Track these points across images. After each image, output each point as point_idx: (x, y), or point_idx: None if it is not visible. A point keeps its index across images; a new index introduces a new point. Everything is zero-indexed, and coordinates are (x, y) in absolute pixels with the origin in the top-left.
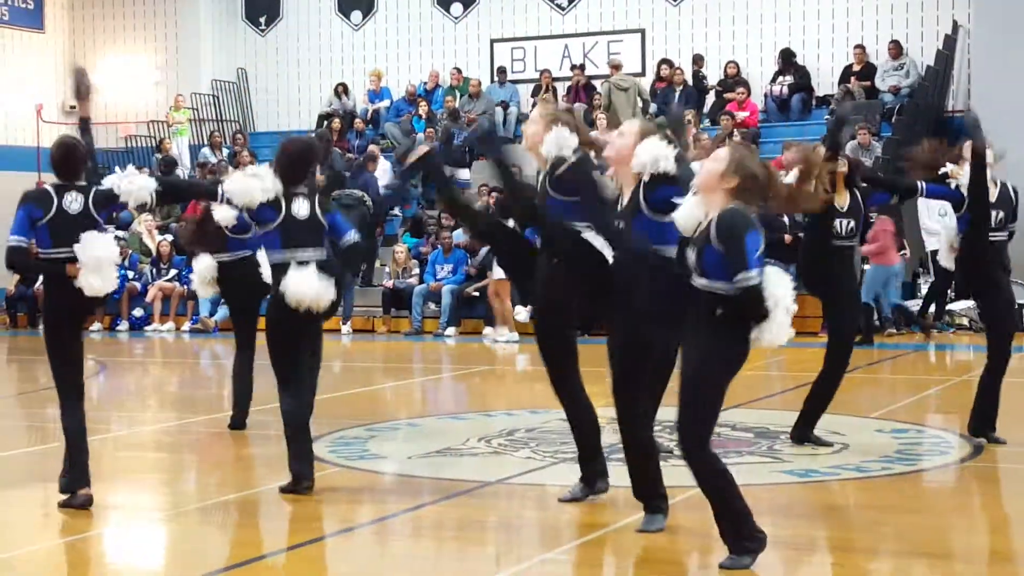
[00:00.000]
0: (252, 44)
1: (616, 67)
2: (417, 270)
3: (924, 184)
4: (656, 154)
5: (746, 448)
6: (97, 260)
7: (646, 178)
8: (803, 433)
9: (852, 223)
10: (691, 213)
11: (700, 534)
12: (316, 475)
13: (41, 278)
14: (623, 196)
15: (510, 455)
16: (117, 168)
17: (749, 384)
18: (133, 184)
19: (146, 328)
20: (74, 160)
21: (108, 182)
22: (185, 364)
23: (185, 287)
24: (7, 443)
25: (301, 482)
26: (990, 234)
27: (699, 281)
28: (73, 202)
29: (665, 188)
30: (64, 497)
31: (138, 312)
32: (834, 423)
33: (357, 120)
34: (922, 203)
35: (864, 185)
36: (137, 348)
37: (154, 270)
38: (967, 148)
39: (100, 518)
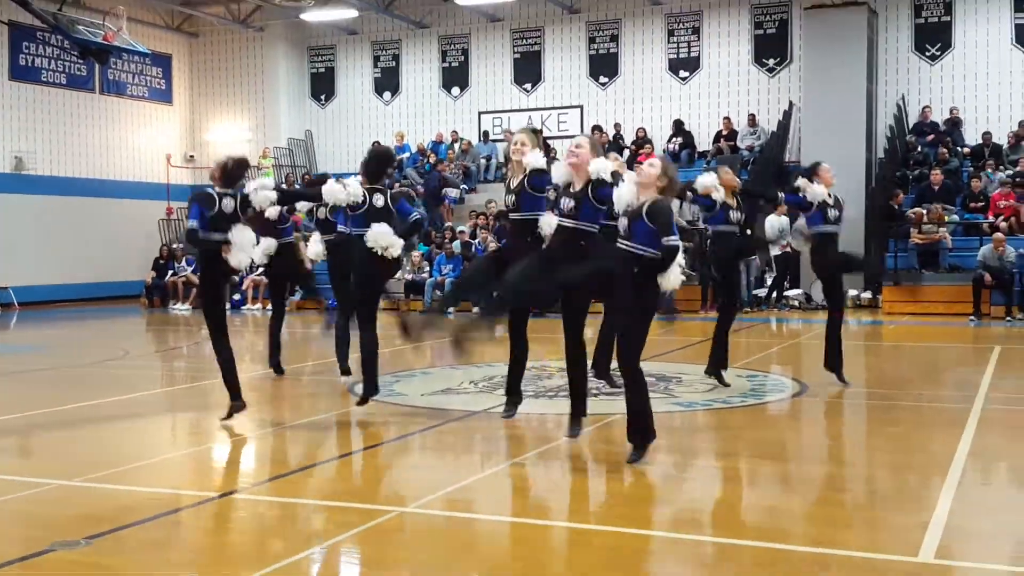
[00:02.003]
0: (315, 114)
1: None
2: (428, 267)
3: (783, 195)
4: (601, 167)
5: (650, 388)
6: (241, 243)
7: (594, 178)
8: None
9: (739, 214)
10: (625, 197)
11: (605, 447)
12: (361, 408)
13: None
14: (574, 185)
15: (490, 393)
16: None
17: (651, 344)
18: (259, 194)
19: (242, 308)
20: (233, 175)
21: (247, 189)
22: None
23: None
24: (149, 385)
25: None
26: (828, 226)
27: (624, 243)
28: (228, 204)
29: (606, 188)
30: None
31: (236, 296)
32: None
33: (398, 161)
34: (768, 223)
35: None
36: (236, 322)
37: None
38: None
39: (208, 435)
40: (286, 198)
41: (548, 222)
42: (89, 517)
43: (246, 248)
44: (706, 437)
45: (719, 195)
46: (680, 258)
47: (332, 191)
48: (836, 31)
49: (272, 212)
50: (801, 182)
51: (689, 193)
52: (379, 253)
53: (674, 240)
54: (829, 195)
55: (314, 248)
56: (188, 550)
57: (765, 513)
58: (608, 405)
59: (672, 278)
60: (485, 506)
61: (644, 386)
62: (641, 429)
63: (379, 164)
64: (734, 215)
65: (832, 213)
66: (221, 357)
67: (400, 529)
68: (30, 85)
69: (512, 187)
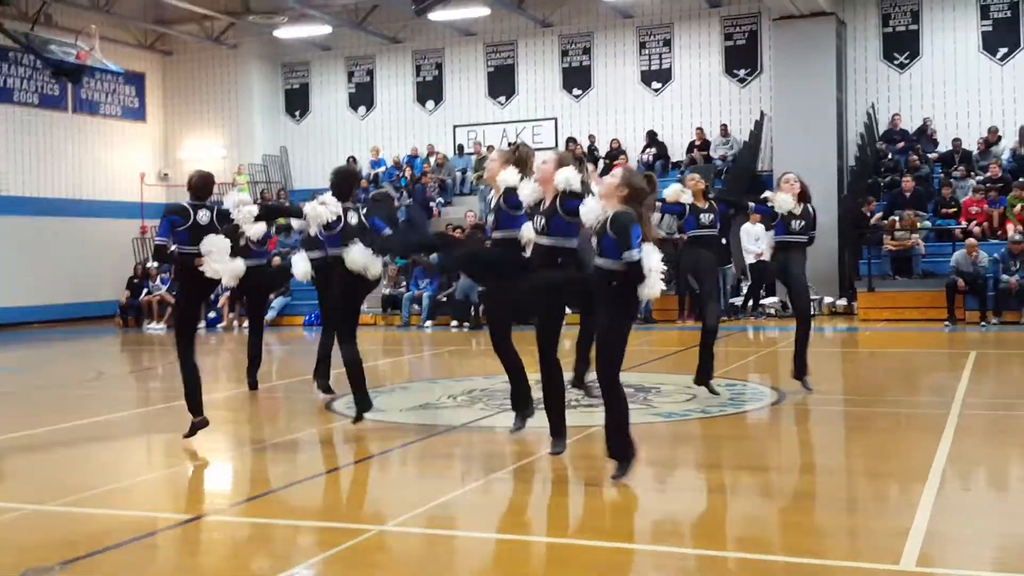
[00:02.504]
0: (290, 130)
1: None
2: (405, 282)
3: (752, 204)
4: (570, 177)
5: (629, 399)
6: (215, 251)
7: (561, 190)
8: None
9: (712, 216)
10: (592, 210)
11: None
12: (338, 424)
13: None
14: (544, 202)
15: (469, 407)
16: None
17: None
18: (241, 211)
19: (218, 326)
20: (206, 187)
21: (226, 203)
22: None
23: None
24: (124, 407)
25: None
26: (791, 237)
27: (598, 260)
28: (203, 216)
29: (573, 201)
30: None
31: (212, 314)
32: (689, 379)
33: (362, 180)
34: (743, 231)
35: (714, 200)
36: (211, 340)
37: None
38: (783, 184)
39: (183, 455)
40: (268, 213)
41: (528, 231)
42: (63, 542)
43: (220, 256)
44: (685, 447)
45: (687, 198)
46: (658, 266)
47: (315, 213)
48: (805, 41)
49: (254, 232)
50: (768, 193)
51: (658, 203)
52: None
53: (634, 254)
54: (800, 206)
55: (301, 267)
56: (164, 573)
57: (746, 523)
58: (586, 417)
59: (650, 288)
60: (465, 523)
61: (624, 400)
62: (621, 444)
63: (346, 183)
64: (705, 217)
65: (796, 224)
66: (185, 370)
67: (380, 548)
68: (2, 105)
69: (492, 207)
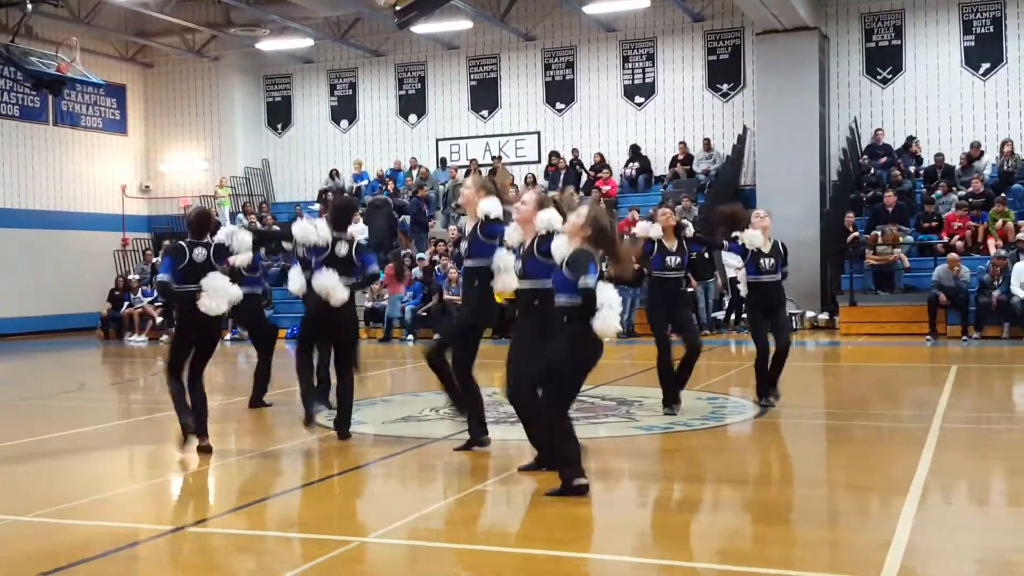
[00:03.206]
0: (272, 142)
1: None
2: (387, 295)
3: (727, 243)
4: (551, 219)
5: (612, 412)
6: (212, 290)
7: (541, 232)
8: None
9: (679, 259)
10: (561, 248)
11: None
12: (319, 437)
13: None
14: (525, 244)
15: (451, 420)
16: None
17: (612, 369)
18: (237, 237)
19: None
20: (202, 225)
21: (219, 237)
22: (226, 362)
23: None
24: (106, 418)
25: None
26: (763, 276)
27: (557, 298)
28: (199, 253)
29: (546, 243)
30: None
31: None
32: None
33: (345, 194)
34: (725, 256)
35: (690, 237)
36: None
37: None
38: (754, 219)
39: (165, 467)
40: (263, 239)
41: (502, 258)
42: (44, 553)
43: (218, 294)
44: (667, 460)
45: (655, 233)
46: (615, 302)
47: (304, 231)
48: (788, 56)
49: (241, 260)
50: (737, 232)
51: (627, 238)
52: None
53: (589, 280)
54: (769, 243)
55: (296, 282)
56: None
57: (727, 536)
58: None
59: (603, 322)
60: (447, 534)
61: (570, 429)
62: (558, 458)
63: (344, 214)
64: (672, 260)
65: (766, 263)
66: (175, 392)
67: (361, 559)
68: None
69: (466, 234)
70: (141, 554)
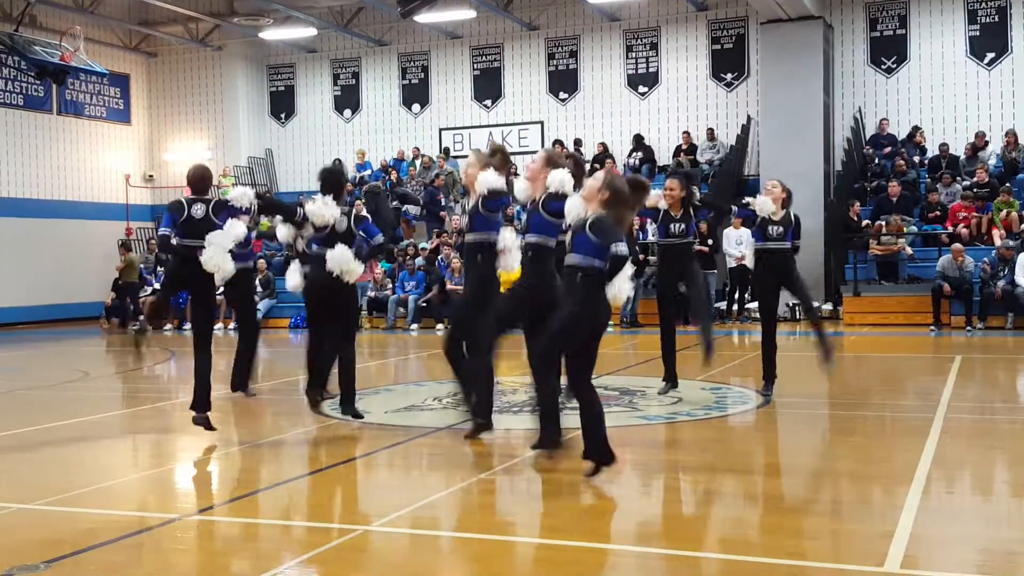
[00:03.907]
0: (276, 132)
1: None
2: (391, 285)
3: (735, 208)
4: (564, 179)
5: (614, 401)
6: (214, 242)
7: (553, 191)
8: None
9: (683, 226)
10: (576, 208)
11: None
12: (325, 425)
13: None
14: (533, 200)
15: (454, 409)
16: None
17: (614, 359)
18: (242, 193)
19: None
20: (201, 180)
21: (229, 196)
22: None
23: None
24: (110, 407)
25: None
26: (769, 243)
27: (570, 258)
28: (198, 210)
29: (558, 202)
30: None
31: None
32: (683, 383)
33: (348, 184)
34: (726, 235)
35: (698, 204)
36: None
37: None
38: (767, 190)
39: (169, 455)
40: (267, 207)
41: (506, 237)
42: (48, 541)
43: (219, 249)
44: (670, 450)
45: (662, 205)
46: (627, 271)
47: (318, 211)
48: (792, 45)
49: (235, 234)
50: (748, 199)
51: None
52: (336, 275)
53: (622, 248)
54: (781, 212)
55: (293, 279)
56: (150, 573)
57: (731, 525)
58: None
59: (619, 289)
60: (451, 523)
61: (551, 388)
62: (547, 429)
63: (334, 184)
64: (675, 227)
65: (773, 230)
66: (198, 363)
67: (365, 548)
68: None
69: (468, 209)
70: (145, 542)
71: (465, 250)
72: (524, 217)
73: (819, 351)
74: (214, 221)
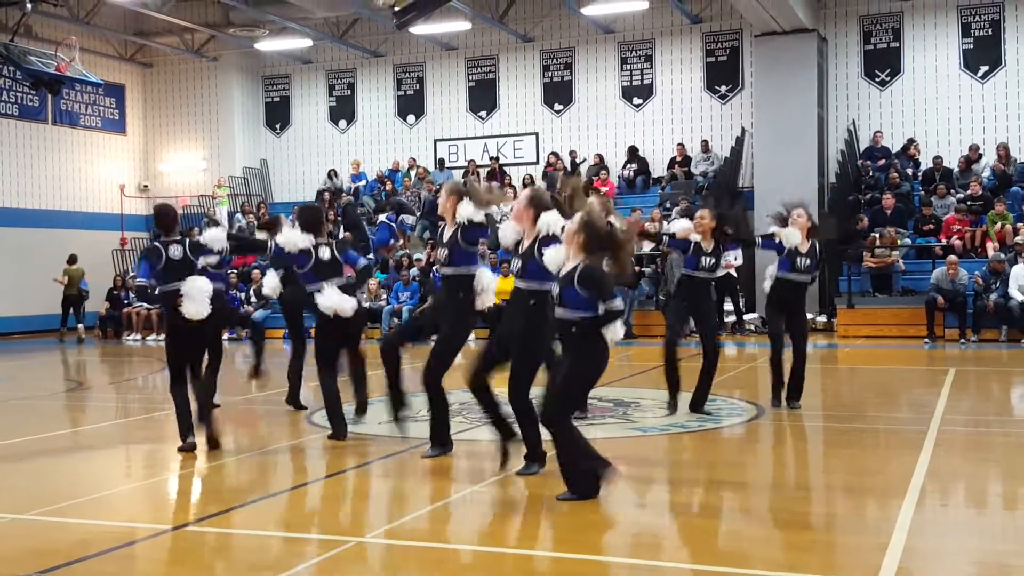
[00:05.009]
0: (271, 142)
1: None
2: (385, 295)
3: (760, 239)
4: (550, 222)
5: (609, 413)
6: (191, 293)
7: (543, 234)
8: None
9: (713, 261)
10: (556, 257)
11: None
12: (316, 436)
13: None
14: (523, 244)
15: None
16: (196, 228)
17: (609, 371)
18: (215, 236)
19: None
20: (167, 221)
21: (203, 239)
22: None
23: None
24: (103, 417)
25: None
26: (794, 275)
27: (558, 311)
28: (175, 251)
29: (554, 243)
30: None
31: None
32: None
33: (343, 195)
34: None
35: (728, 233)
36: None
37: None
38: (793, 219)
39: (162, 466)
40: (240, 247)
41: (485, 278)
42: (41, 551)
43: (198, 298)
44: (664, 462)
45: (695, 238)
46: (619, 309)
47: (290, 239)
48: (786, 58)
49: (208, 287)
50: (775, 228)
51: (666, 237)
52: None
53: (616, 304)
54: (808, 243)
55: (270, 283)
56: None
57: (725, 537)
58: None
59: (614, 333)
60: (444, 534)
61: (575, 435)
62: (575, 476)
63: (312, 218)
64: (706, 261)
65: (802, 262)
66: (177, 397)
67: (358, 559)
68: None
69: (445, 241)
70: (138, 553)
71: (444, 284)
72: (517, 263)
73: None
74: (192, 262)
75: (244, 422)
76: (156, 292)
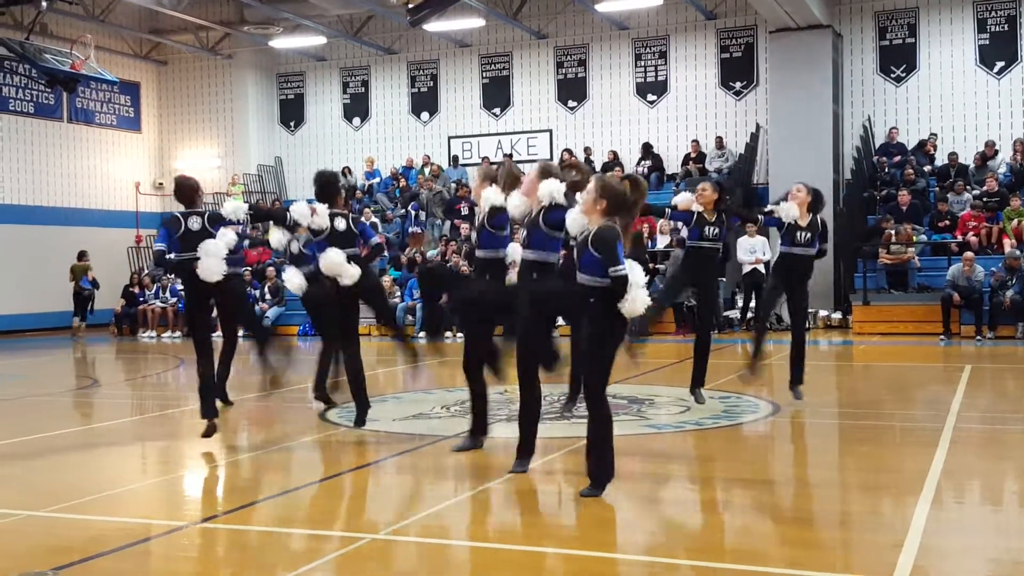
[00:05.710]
0: (285, 140)
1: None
2: (399, 292)
3: (762, 217)
4: (553, 190)
5: (622, 410)
6: (208, 251)
7: (545, 204)
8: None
9: (717, 230)
10: (576, 221)
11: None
12: (331, 433)
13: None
14: (531, 214)
15: (462, 417)
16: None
17: (623, 367)
18: (236, 208)
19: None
20: (188, 193)
21: (224, 211)
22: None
23: None
24: (117, 414)
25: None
26: (796, 248)
27: (580, 277)
28: (194, 222)
29: (557, 213)
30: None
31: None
32: (682, 392)
33: (357, 192)
34: (740, 244)
35: (729, 208)
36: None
37: None
38: (792, 194)
39: (177, 463)
40: (258, 216)
41: (515, 251)
42: (57, 548)
43: (214, 254)
44: (679, 459)
45: (696, 208)
46: (641, 280)
47: (300, 211)
48: (802, 54)
49: (227, 239)
50: (771, 205)
51: (668, 209)
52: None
53: (621, 270)
54: (808, 216)
55: (295, 280)
56: None
57: (740, 535)
58: (579, 428)
59: (634, 304)
60: (458, 531)
61: (608, 419)
62: (599, 464)
63: (330, 187)
64: (710, 230)
65: (801, 236)
66: (203, 374)
67: (373, 556)
68: None
69: (476, 225)
70: (153, 550)
71: (475, 266)
72: (524, 233)
73: (750, 360)
74: (211, 232)
75: (258, 418)
76: (172, 259)
